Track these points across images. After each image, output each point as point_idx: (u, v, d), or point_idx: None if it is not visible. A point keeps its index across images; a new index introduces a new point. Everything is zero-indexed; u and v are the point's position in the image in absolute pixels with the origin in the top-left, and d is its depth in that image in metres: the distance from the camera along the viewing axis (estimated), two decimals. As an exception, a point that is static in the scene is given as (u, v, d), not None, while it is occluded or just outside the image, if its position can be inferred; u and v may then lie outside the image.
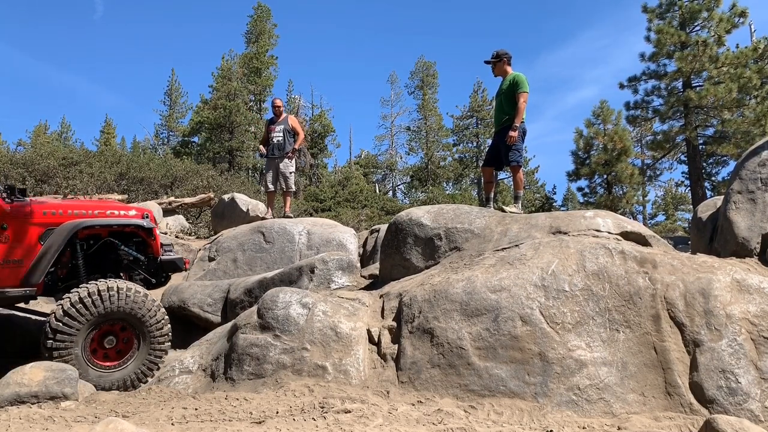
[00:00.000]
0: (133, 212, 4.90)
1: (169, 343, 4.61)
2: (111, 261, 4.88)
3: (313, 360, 3.95)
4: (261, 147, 8.95)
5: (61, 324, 4.10)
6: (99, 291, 4.20)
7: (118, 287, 4.28)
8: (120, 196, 13.17)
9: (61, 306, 4.16)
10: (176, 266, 5.09)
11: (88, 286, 4.24)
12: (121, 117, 76.55)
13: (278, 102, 8.92)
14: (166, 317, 4.58)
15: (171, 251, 5.22)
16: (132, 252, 4.84)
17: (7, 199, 4.28)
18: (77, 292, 4.20)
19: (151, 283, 4.98)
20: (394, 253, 5.23)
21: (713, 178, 21.53)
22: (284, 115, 8.83)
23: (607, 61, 72.88)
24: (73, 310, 4.13)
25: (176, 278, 6.20)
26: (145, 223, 4.85)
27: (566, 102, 70.29)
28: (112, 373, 4.28)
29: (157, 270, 5.04)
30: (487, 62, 6.33)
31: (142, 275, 4.96)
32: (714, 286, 3.78)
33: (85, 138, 75.80)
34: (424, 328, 3.94)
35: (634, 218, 25.83)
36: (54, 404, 3.76)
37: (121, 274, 4.93)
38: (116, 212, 4.78)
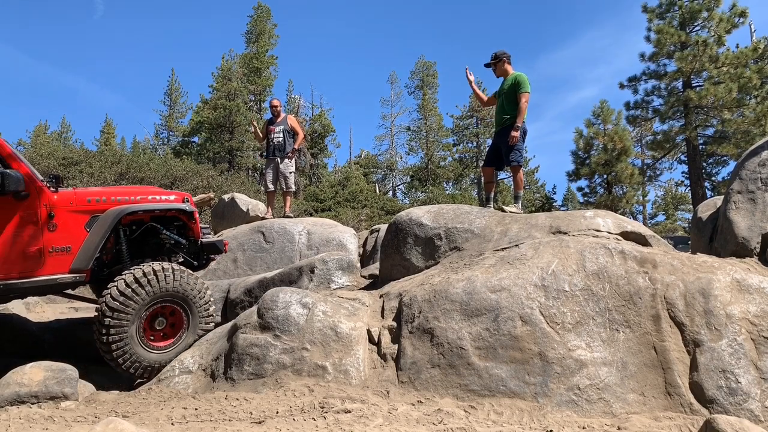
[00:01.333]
0: (173, 197, 5.03)
1: (214, 324, 4.79)
2: (153, 245, 5.00)
3: (313, 360, 3.95)
4: (255, 126, 9.05)
5: (118, 303, 4.25)
6: (154, 271, 4.39)
7: (172, 268, 4.49)
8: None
9: (116, 286, 4.29)
10: (217, 248, 5.21)
11: (143, 266, 4.42)
12: (121, 117, 76.54)
13: (275, 102, 8.89)
14: (213, 298, 4.82)
15: (209, 234, 5.33)
16: (173, 236, 4.96)
17: (52, 189, 4.40)
18: (132, 272, 4.36)
19: (193, 265, 5.10)
20: (394, 253, 5.23)
21: (713, 178, 21.55)
22: (283, 115, 8.80)
23: (607, 61, 72.95)
24: (129, 290, 4.29)
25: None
26: (186, 206, 4.97)
27: (566, 102, 70.34)
28: (164, 353, 4.48)
29: (199, 252, 5.16)
30: (487, 65, 6.34)
31: (183, 258, 5.08)
32: (714, 286, 3.78)
33: (85, 138, 75.74)
34: (424, 328, 3.94)
35: (634, 218, 25.83)
36: (54, 404, 3.77)
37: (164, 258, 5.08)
38: (157, 197, 4.90)
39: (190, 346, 4.56)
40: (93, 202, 4.56)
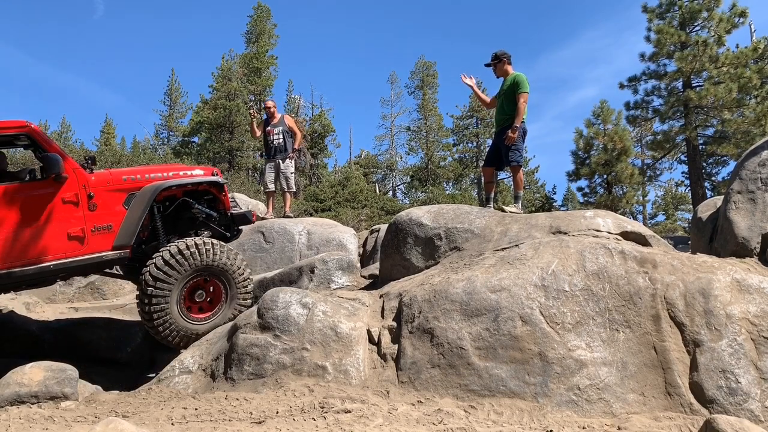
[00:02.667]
0: (201, 172, 5.19)
1: (251, 297, 4.93)
2: (186, 220, 5.13)
3: (313, 360, 3.95)
4: (252, 119, 9.01)
5: (162, 273, 4.41)
6: (197, 244, 4.56)
7: (212, 243, 4.67)
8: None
9: (161, 256, 4.46)
10: (246, 219, 5.38)
11: (186, 240, 4.59)
12: (121, 117, 76.29)
13: (269, 103, 8.86)
14: (249, 271, 4.97)
15: (237, 206, 5.46)
16: (205, 209, 5.10)
17: (88, 170, 4.55)
18: (176, 245, 4.52)
19: (225, 237, 5.22)
20: (394, 253, 5.23)
21: (713, 178, 21.55)
22: (278, 115, 8.72)
23: (607, 61, 72.74)
24: (174, 260, 4.45)
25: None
26: (217, 179, 5.14)
27: (566, 102, 70.12)
28: (201, 324, 4.66)
29: (229, 224, 5.30)
30: (487, 65, 6.33)
31: (213, 231, 5.19)
32: (714, 286, 3.78)
33: (85, 138, 75.30)
34: (424, 328, 3.94)
35: (634, 218, 25.82)
36: (54, 404, 3.77)
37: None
38: (188, 173, 5.08)
39: (232, 317, 4.69)
40: (129, 181, 4.73)
